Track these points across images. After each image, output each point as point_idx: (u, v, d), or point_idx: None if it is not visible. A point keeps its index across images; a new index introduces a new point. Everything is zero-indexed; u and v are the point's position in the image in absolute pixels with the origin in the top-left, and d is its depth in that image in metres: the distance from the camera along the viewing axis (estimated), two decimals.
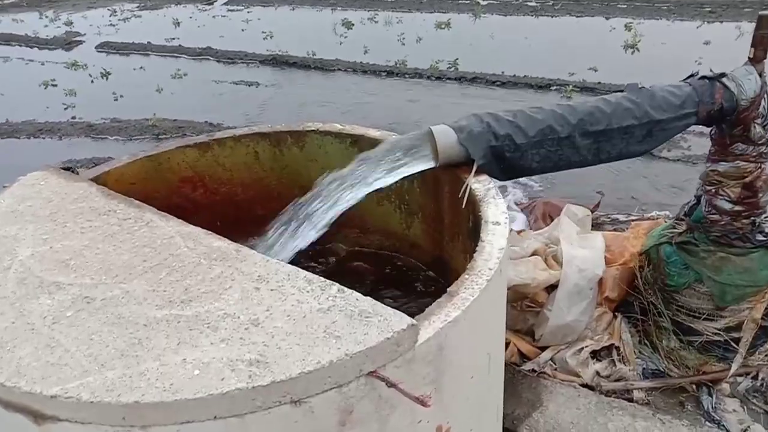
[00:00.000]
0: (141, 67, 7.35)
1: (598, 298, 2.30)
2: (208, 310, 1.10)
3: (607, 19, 8.39)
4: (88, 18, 10.17)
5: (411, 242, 2.09)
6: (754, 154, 1.89)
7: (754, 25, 1.88)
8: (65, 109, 5.98)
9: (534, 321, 2.27)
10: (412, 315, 1.14)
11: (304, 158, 2.08)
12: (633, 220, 3.21)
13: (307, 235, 1.57)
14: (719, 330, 2.10)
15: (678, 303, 2.16)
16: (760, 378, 2.12)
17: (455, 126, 1.66)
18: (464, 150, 1.64)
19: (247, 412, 0.96)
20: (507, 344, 2.25)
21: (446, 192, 1.78)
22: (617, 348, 2.21)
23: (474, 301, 1.18)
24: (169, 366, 0.98)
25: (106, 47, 8.26)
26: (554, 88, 5.87)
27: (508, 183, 4.01)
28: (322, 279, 1.16)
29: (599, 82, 5.81)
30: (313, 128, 2.05)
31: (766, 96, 1.82)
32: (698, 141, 4.46)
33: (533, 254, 2.27)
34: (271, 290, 1.14)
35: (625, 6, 8.93)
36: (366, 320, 1.05)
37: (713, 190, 1.99)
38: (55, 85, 6.65)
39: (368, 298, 1.10)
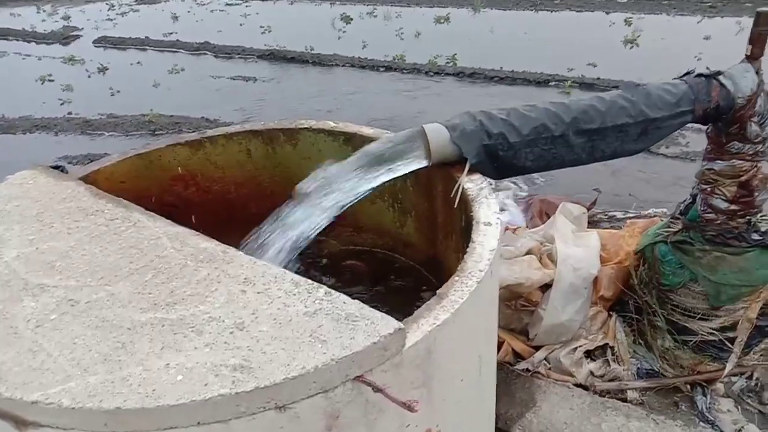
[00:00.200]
0: (138, 62, 7.33)
1: (593, 297, 2.29)
2: (193, 313, 1.09)
3: (607, 13, 8.36)
4: (85, 12, 10.14)
5: (405, 241, 2.08)
6: (751, 152, 1.87)
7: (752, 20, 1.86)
8: (62, 104, 5.96)
9: (528, 320, 2.25)
10: (407, 315, 1.13)
11: (297, 156, 2.07)
12: (630, 218, 3.20)
13: (297, 245, 1.56)
14: (714, 330, 2.09)
15: (673, 302, 2.15)
16: (754, 378, 2.11)
17: (448, 124, 1.64)
18: (457, 149, 1.62)
19: (231, 418, 0.94)
20: (501, 343, 2.24)
21: (439, 191, 1.77)
22: (611, 347, 2.20)
23: (464, 303, 1.17)
24: (152, 371, 0.97)
25: (103, 42, 8.23)
26: (553, 83, 5.85)
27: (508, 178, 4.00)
28: (309, 281, 1.15)
29: (598, 78, 5.79)
30: (306, 126, 2.03)
31: (762, 94, 1.80)
32: (696, 137, 4.43)
33: (528, 253, 2.26)
34: (258, 293, 1.12)
35: (625, 0, 8.89)
36: (353, 324, 1.04)
37: (709, 189, 1.98)
38: (52, 80, 6.63)
39: (355, 301, 1.09)
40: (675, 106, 1.73)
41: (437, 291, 1.20)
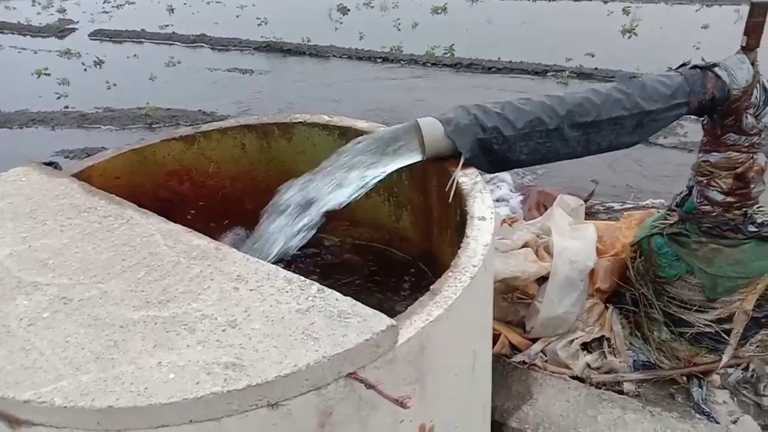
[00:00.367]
0: (134, 55, 7.29)
1: (590, 289, 2.29)
2: (185, 311, 1.09)
3: (604, 2, 8.31)
4: (81, 5, 10.07)
5: (401, 235, 2.08)
6: (746, 144, 1.86)
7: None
8: (58, 98, 5.93)
9: (525, 313, 2.26)
10: (403, 309, 1.13)
11: (291, 150, 2.06)
12: (628, 209, 3.20)
13: (292, 243, 1.56)
14: (710, 321, 2.09)
15: (669, 294, 2.15)
16: (750, 369, 2.12)
17: (442, 118, 1.64)
18: (451, 143, 1.61)
19: (224, 416, 0.94)
20: (498, 336, 2.25)
21: (434, 185, 1.76)
22: (608, 340, 2.20)
23: (457, 299, 1.17)
24: (145, 369, 0.97)
25: (99, 35, 8.19)
26: (551, 73, 5.83)
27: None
28: (302, 278, 1.14)
29: (596, 68, 5.76)
30: (300, 120, 2.02)
31: (758, 85, 1.79)
32: (695, 128, 4.42)
33: (524, 246, 2.25)
34: (250, 290, 1.12)
35: None
36: (345, 321, 1.04)
37: (705, 181, 1.97)
38: (48, 74, 6.59)
39: (348, 298, 1.09)
40: (670, 98, 1.72)
41: (431, 287, 1.20)
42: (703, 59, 1.81)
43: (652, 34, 6.75)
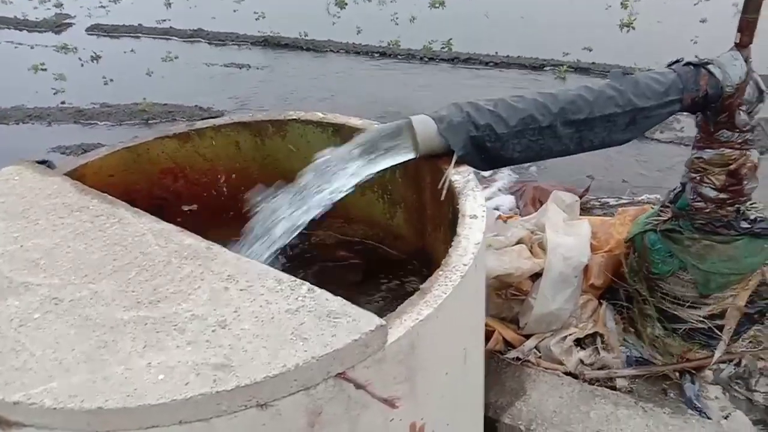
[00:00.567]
0: (131, 50, 7.26)
1: (584, 285, 2.30)
2: (175, 311, 1.09)
3: None
4: None
5: (395, 233, 2.08)
6: (739, 141, 1.87)
7: None
8: (54, 93, 5.91)
9: (519, 309, 2.27)
10: (396, 306, 1.13)
11: (286, 147, 2.06)
12: (623, 204, 3.21)
13: (286, 235, 1.56)
14: (703, 317, 2.10)
15: (663, 290, 2.16)
16: (742, 365, 2.13)
17: (435, 116, 1.64)
18: (444, 141, 1.62)
19: (213, 417, 0.95)
20: (491, 332, 2.26)
21: (428, 182, 1.77)
22: (601, 336, 2.21)
23: (447, 298, 1.17)
24: (134, 370, 0.98)
25: (96, 30, 8.15)
26: (548, 68, 5.81)
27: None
28: (293, 278, 1.15)
29: (593, 62, 5.75)
30: (294, 117, 2.02)
31: (751, 82, 1.79)
32: (691, 122, 4.31)
33: (518, 242, 2.26)
34: (241, 290, 1.13)
35: None
36: (334, 321, 1.04)
37: (698, 178, 1.98)
38: (45, 69, 6.57)
39: (338, 298, 1.09)
40: (663, 95, 1.72)
41: (421, 286, 1.21)
42: (696, 56, 1.81)
43: (650, 27, 6.73)
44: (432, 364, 1.20)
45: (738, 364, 2.14)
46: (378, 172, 1.66)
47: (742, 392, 2.08)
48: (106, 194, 1.49)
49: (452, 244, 1.32)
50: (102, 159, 1.85)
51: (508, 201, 3.29)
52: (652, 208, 2.36)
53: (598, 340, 2.22)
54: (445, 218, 1.68)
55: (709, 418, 1.99)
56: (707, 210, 1.99)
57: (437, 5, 8.27)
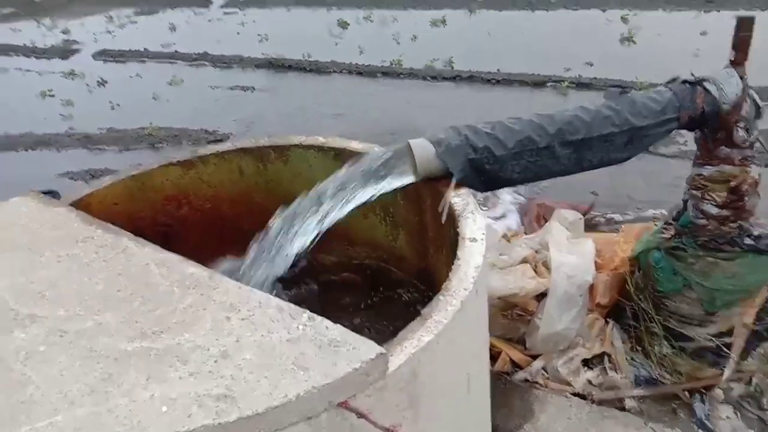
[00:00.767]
0: (137, 74, 7.36)
1: (590, 304, 2.29)
2: (178, 342, 1.10)
3: (603, 11, 8.32)
4: (85, 25, 10.18)
5: (397, 255, 2.09)
6: (739, 157, 1.87)
7: (752, 13, 1.85)
8: (63, 119, 5.99)
9: (525, 329, 2.26)
10: (401, 328, 1.14)
11: (288, 172, 2.08)
12: (628, 220, 3.20)
13: (286, 258, 1.57)
14: (711, 335, 2.08)
15: (669, 309, 2.14)
16: (753, 383, 2.10)
17: (433, 140, 1.66)
18: (443, 164, 1.63)
19: None
20: (498, 353, 2.25)
21: (428, 205, 1.78)
22: (609, 355, 2.20)
23: (448, 323, 1.18)
24: (138, 402, 0.98)
25: (103, 55, 8.28)
26: (550, 84, 5.84)
27: None
28: (293, 306, 1.16)
29: (595, 78, 5.77)
30: (296, 142, 2.05)
31: (748, 99, 1.80)
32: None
33: (523, 262, 2.26)
34: (242, 320, 1.14)
35: None
36: (335, 350, 1.05)
37: (700, 195, 1.98)
38: (53, 96, 6.67)
39: (337, 325, 1.10)
40: (660, 114, 1.73)
41: (421, 311, 1.21)
42: (692, 74, 1.82)
43: (651, 41, 6.76)
44: (434, 391, 1.20)
45: (749, 383, 2.11)
46: (379, 195, 1.68)
47: (754, 411, 2.05)
48: (109, 224, 1.51)
49: (452, 268, 1.33)
50: (106, 188, 1.87)
51: (515, 218, 3.29)
52: (656, 225, 2.36)
53: (606, 359, 2.20)
54: (446, 240, 1.69)
55: None
56: (710, 227, 1.99)
57: (438, 24, 8.35)
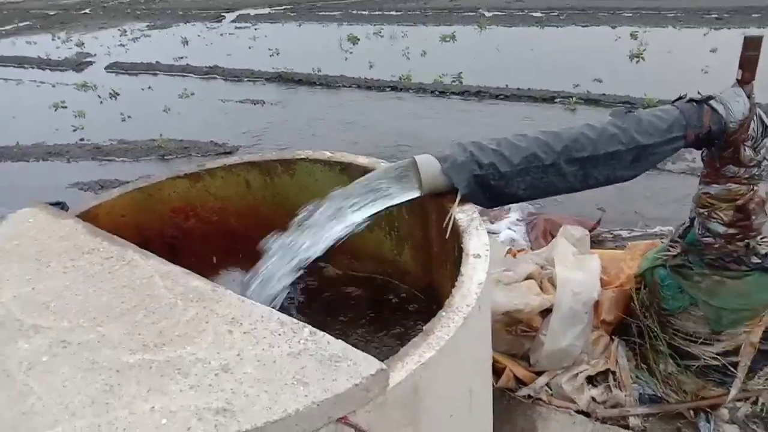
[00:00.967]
0: (149, 87, 7.46)
1: (595, 321, 2.28)
2: (180, 354, 1.10)
3: (613, 28, 8.37)
4: (98, 38, 10.35)
5: (402, 269, 2.09)
6: (746, 176, 1.86)
7: (762, 30, 1.85)
8: (74, 130, 6.07)
9: (530, 345, 2.24)
10: (405, 343, 1.13)
11: (295, 186, 2.09)
12: (635, 237, 3.19)
13: (290, 275, 1.58)
14: (717, 354, 2.06)
15: (674, 326, 2.13)
16: (759, 403, 2.08)
17: (439, 156, 1.66)
18: (448, 179, 1.63)
19: None
20: (502, 369, 2.23)
21: (433, 220, 1.78)
22: (613, 373, 2.18)
23: (450, 340, 1.17)
24: (138, 414, 0.99)
25: (115, 68, 8.40)
26: (558, 100, 5.85)
27: None
28: (295, 321, 1.16)
29: (604, 94, 5.78)
30: (302, 156, 2.06)
31: (755, 118, 1.80)
32: None
33: (528, 278, 2.25)
34: (244, 333, 1.14)
35: (631, 14, 8.90)
36: (335, 365, 1.05)
37: (706, 213, 1.97)
38: (65, 107, 6.76)
39: (339, 341, 1.10)
40: (666, 132, 1.73)
41: (424, 327, 1.21)
42: (699, 92, 1.82)
43: (660, 58, 6.77)
44: (436, 407, 1.19)
45: (755, 403, 2.08)
46: (384, 210, 1.69)
47: None
48: (115, 236, 1.52)
49: (455, 284, 1.33)
50: (114, 200, 1.89)
51: (522, 233, 3.28)
52: (662, 242, 2.35)
53: (611, 377, 2.18)
54: (450, 255, 1.69)
55: None
56: (716, 245, 1.97)
57: (448, 39, 8.41)
